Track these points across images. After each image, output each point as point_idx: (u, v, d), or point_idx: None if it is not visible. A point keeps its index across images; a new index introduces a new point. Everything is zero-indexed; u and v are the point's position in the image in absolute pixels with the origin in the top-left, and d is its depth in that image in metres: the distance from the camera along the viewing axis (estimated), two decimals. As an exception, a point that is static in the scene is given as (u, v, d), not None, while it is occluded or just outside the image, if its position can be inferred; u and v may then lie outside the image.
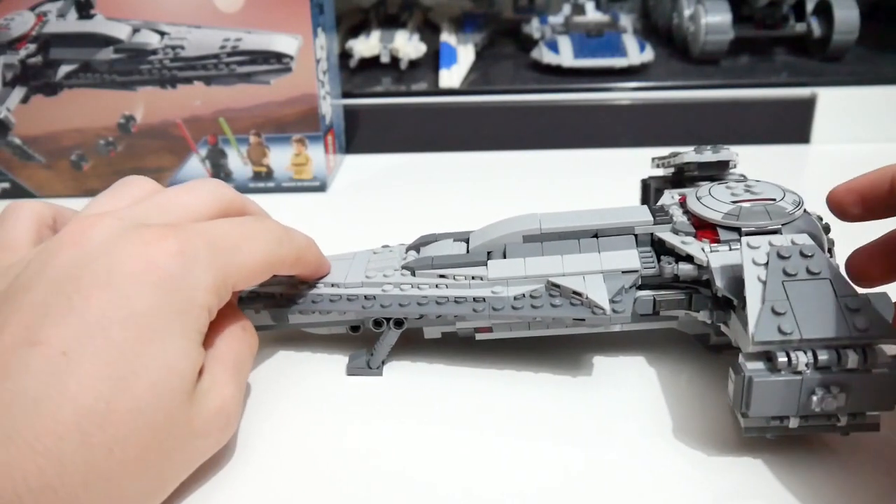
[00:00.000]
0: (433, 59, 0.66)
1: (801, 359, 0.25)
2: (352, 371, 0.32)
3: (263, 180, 0.53)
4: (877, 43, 0.68)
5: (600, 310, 0.29)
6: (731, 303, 0.29)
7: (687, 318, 0.31)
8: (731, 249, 0.30)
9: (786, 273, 0.27)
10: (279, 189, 0.53)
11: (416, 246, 0.34)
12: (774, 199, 0.31)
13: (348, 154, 0.60)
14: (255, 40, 0.49)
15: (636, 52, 0.62)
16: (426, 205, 0.51)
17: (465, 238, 0.34)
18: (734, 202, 0.31)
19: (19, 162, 0.53)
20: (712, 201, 0.31)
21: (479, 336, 0.32)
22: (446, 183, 0.55)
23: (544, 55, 0.63)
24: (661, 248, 0.32)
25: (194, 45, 0.50)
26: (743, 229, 0.30)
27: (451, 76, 0.62)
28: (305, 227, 0.48)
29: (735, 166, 0.36)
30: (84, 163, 0.53)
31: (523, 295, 0.31)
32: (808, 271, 0.27)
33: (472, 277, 0.31)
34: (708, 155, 0.35)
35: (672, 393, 0.31)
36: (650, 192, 0.40)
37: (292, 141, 0.52)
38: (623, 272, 0.31)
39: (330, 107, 0.54)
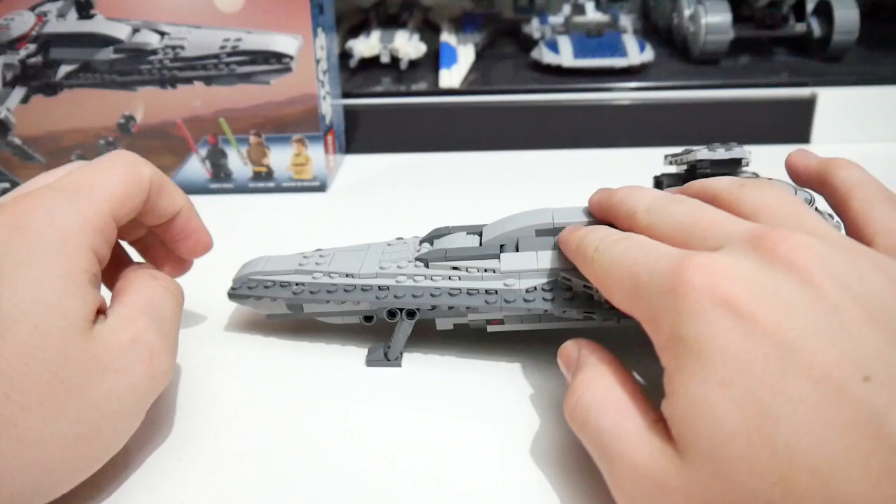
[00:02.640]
0: (433, 59, 0.66)
1: None
2: (371, 363, 0.33)
3: (263, 180, 0.53)
4: (877, 43, 0.68)
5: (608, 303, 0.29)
6: None
7: None
8: None
9: None
10: (279, 189, 0.53)
11: (430, 238, 0.35)
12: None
13: (348, 154, 0.60)
14: (255, 40, 0.49)
15: (636, 52, 0.62)
16: (426, 205, 0.51)
17: (478, 231, 0.34)
18: None
19: (19, 162, 0.53)
20: None
21: (490, 328, 0.33)
22: (446, 183, 0.55)
23: (544, 55, 0.63)
24: None
25: (194, 45, 0.50)
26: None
27: (451, 76, 0.62)
28: (305, 228, 0.49)
29: (748, 164, 0.36)
30: (84, 163, 0.53)
31: (535, 288, 0.31)
32: None
33: (485, 270, 0.32)
34: (720, 153, 0.35)
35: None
36: (662, 189, 0.39)
37: (292, 141, 0.52)
38: None
39: (330, 107, 0.54)
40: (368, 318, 0.33)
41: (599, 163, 0.57)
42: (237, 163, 0.53)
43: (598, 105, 0.60)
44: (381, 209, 0.50)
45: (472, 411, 0.30)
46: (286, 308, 0.33)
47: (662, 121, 0.59)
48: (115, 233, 0.28)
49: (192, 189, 0.53)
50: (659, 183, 0.40)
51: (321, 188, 0.53)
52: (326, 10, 0.53)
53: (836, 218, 0.31)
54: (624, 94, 0.60)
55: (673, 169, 0.40)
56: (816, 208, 0.31)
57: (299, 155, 0.52)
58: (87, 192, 0.27)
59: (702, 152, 0.36)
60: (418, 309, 0.32)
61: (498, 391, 0.31)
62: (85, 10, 0.49)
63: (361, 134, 0.60)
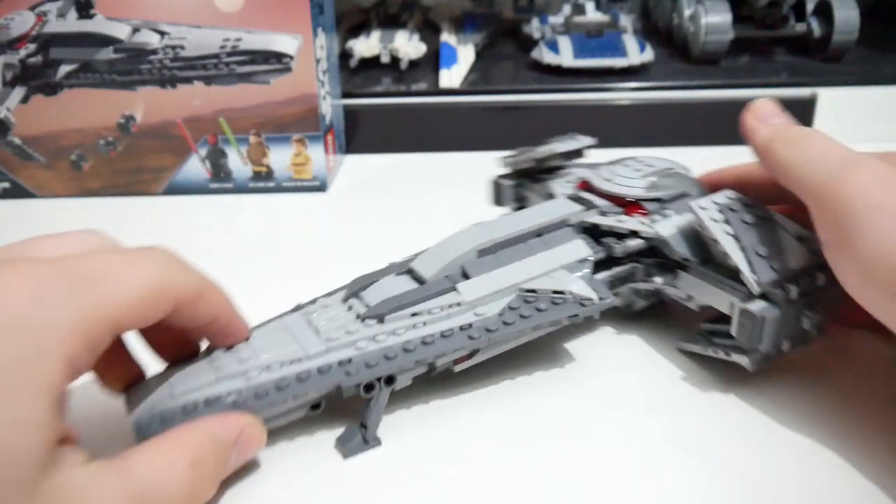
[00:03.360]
0: (433, 59, 0.66)
1: (793, 290, 0.28)
2: (350, 452, 0.28)
3: (263, 180, 0.53)
4: (877, 43, 0.68)
5: (588, 301, 0.30)
6: (678, 265, 0.32)
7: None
8: (665, 217, 0.32)
9: (744, 222, 0.30)
10: (279, 189, 0.53)
11: (356, 292, 0.31)
12: (671, 168, 0.34)
13: (348, 154, 0.60)
14: (255, 40, 0.49)
15: (636, 52, 0.62)
16: (426, 205, 0.51)
17: (406, 270, 0.32)
18: (645, 176, 0.34)
19: (19, 162, 0.53)
20: (625, 180, 0.34)
21: (458, 368, 0.30)
22: (446, 183, 0.55)
23: (544, 55, 0.63)
24: (592, 232, 0.33)
25: (194, 45, 0.50)
26: (665, 198, 0.33)
27: (451, 76, 0.62)
28: (305, 227, 0.49)
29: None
30: (84, 163, 0.53)
31: (505, 309, 0.30)
32: (759, 217, 0.30)
33: (449, 306, 0.29)
34: (570, 143, 0.38)
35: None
36: (502, 190, 0.41)
37: (292, 141, 0.52)
38: (579, 261, 0.32)
39: (330, 107, 0.54)
40: (316, 407, 0.28)
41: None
42: (237, 163, 0.53)
43: (598, 105, 0.60)
44: (380, 209, 0.50)
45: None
46: None
47: (662, 121, 0.59)
48: (109, 342, 0.22)
49: (192, 189, 0.53)
50: (499, 185, 0.42)
51: (321, 188, 0.53)
52: (326, 10, 0.53)
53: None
54: (624, 94, 0.60)
55: (509, 170, 0.41)
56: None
57: (299, 155, 0.52)
58: (94, 283, 0.21)
59: (550, 147, 0.38)
60: (397, 373, 0.28)
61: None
62: (85, 10, 0.49)
63: (361, 134, 0.60)
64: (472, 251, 0.31)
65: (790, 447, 0.28)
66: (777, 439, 0.28)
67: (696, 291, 0.31)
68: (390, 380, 0.28)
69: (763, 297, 0.28)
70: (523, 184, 0.40)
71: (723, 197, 0.31)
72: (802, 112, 0.59)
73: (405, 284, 0.30)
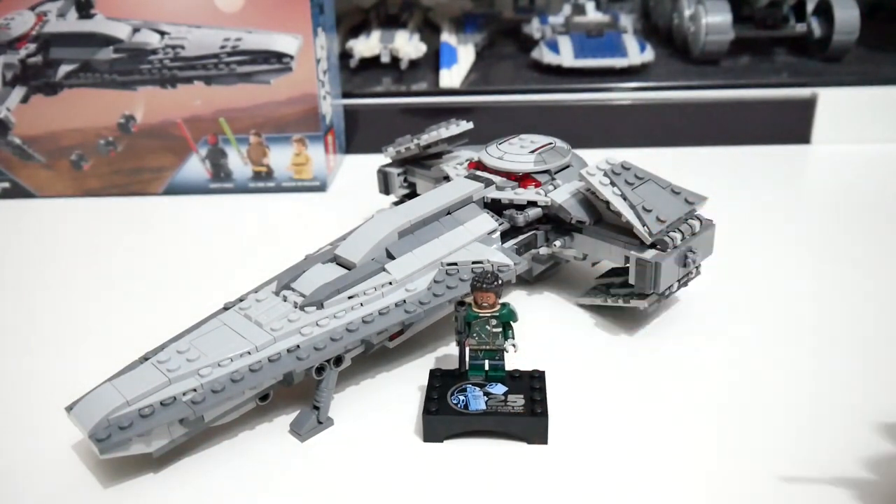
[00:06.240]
0: (433, 59, 0.66)
1: (677, 237, 0.33)
2: (307, 435, 0.30)
3: (263, 180, 0.53)
4: (877, 43, 0.68)
5: (506, 266, 0.33)
6: (573, 228, 0.35)
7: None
8: (556, 187, 0.36)
9: (628, 183, 0.34)
10: (279, 189, 0.53)
11: (286, 284, 0.32)
12: (553, 143, 0.38)
13: (348, 154, 0.60)
14: (255, 40, 0.49)
15: (636, 52, 0.62)
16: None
17: (330, 258, 0.33)
18: (532, 152, 0.37)
19: (19, 162, 0.53)
20: (514, 157, 0.37)
21: (392, 343, 0.32)
22: (446, 183, 0.55)
23: (544, 55, 0.63)
24: (493, 206, 0.36)
25: (194, 45, 0.50)
26: (552, 170, 0.37)
27: (451, 76, 0.62)
28: (305, 227, 0.49)
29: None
30: (84, 162, 0.53)
31: (432, 283, 0.32)
32: (637, 178, 0.34)
33: (382, 286, 0.32)
34: (454, 129, 0.41)
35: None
36: (389, 179, 0.45)
37: (292, 141, 0.52)
38: (489, 233, 0.35)
39: (330, 107, 0.54)
40: (264, 398, 0.29)
41: (599, 163, 0.57)
42: (237, 162, 0.53)
43: (598, 105, 0.60)
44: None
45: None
46: (181, 428, 0.28)
47: (662, 121, 0.59)
48: None
49: (192, 189, 0.53)
50: (385, 174, 0.45)
51: (321, 188, 0.53)
52: (326, 10, 0.53)
53: None
54: (624, 94, 0.60)
55: (390, 159, 0.44)
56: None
57: (299, 155, 0.52)
58: None
59: (435, 134, 0.41)
60: (343, 353, 0.30)
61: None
62: (85, 10, 0.49)
63: (361, 134, 0.60)
64: (394, 233, 0.33)
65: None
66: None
67: (590, 250, 0.35)
68: (338, 360, 0.30)
69: (653, 246, 0.33)
70: (410, 170, 0.44)
71: (605, 163, 0.34)
72: (802, 112, 0.59)
73: (334, 271, 0.32)
